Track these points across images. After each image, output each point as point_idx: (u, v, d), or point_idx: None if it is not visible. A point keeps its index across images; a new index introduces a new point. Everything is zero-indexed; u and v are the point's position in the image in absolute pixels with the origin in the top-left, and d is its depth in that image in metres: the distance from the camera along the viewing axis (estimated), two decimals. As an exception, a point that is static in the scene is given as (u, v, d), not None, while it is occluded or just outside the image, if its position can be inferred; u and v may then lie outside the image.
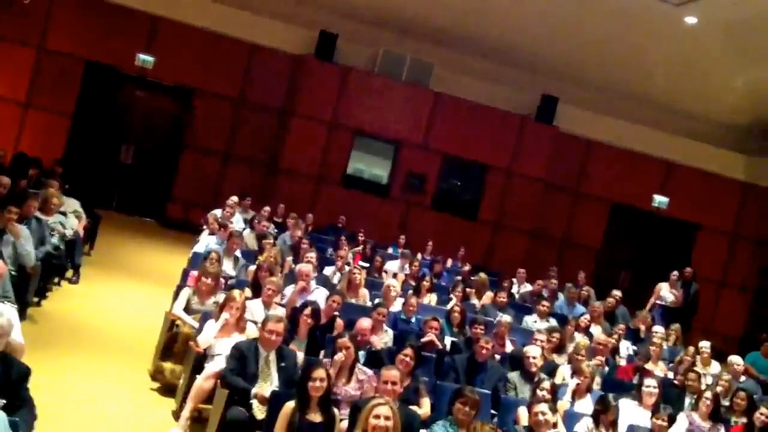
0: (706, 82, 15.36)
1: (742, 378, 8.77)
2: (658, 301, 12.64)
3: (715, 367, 9.15)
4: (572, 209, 16.81)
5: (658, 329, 9.70)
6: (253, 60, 15.64)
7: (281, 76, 15.66)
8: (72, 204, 10.09)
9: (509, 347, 8.26)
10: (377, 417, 4.40)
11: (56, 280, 9.18)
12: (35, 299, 8.16)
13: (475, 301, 10.39)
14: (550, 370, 7.50)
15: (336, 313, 7.50)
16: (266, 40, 15.52)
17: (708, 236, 16.98)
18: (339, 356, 5.89)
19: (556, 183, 16.36)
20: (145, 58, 14.87)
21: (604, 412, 6.08)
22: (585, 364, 7.22)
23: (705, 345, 9.35)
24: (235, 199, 11.85)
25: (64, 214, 9.54)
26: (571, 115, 16.12)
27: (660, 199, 16.48)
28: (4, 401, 4.17)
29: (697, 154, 16.70)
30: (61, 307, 8.56)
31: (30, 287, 7.66)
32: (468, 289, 10.60)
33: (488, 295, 10.38)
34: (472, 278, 11.32)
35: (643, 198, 16.72)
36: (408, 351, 6.17)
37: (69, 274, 9.65)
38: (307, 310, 6.81)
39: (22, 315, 7.04)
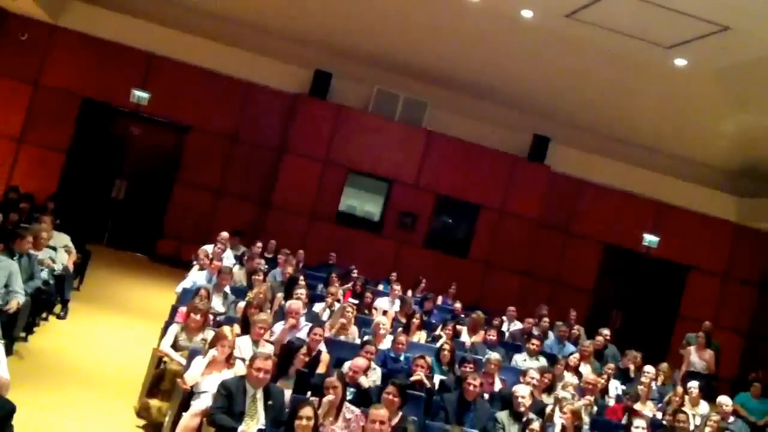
0: (697, 124, 15.51)
1: (731, 419, 8.74)
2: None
3: (703, 407, 9.11)
4: (564, 249, 16.84)
5: (649, 369, 9.68)
6: (248, 97, 15.77)
7: (276, 113, 15.78)
8: (62, 239, 10.08)
9: (498, 386, 8.23)
10: None
11: (44, 315, 9.13)
12: (22, 334, 8.12)
13: (466, 338, 10.37)
14: (539, 410, 7.46)
15: (320, 347, 7.48)
16: (261, 78, 15.67)
17: (699, 277, 17.01)
18: (329, 398, 5.86)
19: (548, 222, 16.42)
20: (140, 95, 14.98)
21: None
22: (568, 401, 7.20)
23: (693, 385, 9.32)
24: (225, 235, 11.86)
25: (54, 248, 9.53)
26: (562, 155, 16.26)
27: (650, 239, 16.52)
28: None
29: (689, 195, 16.80)
30: (49, 343, 8.51)
31: (18, 322, 7.62)
32: (459, 327, 10.59)
33: (479, 333, 10.36)
34: (468, 316, 11.30)
35: (635, 238, 16.76)
36: (390, 389, 6.14)
37: (57, 309, 9.60)
38: (305, 348, 6.82)
39: (9, 350, 7.00)
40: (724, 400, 8.96)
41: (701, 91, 14.14)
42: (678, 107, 15.10)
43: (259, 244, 12.50)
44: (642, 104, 15.28)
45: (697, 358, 11.65)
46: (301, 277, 10.40)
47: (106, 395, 7.42)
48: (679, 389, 8.90)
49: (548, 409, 7.54)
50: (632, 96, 15.06)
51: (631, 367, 10.52)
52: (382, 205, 15.91)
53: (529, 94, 15.71)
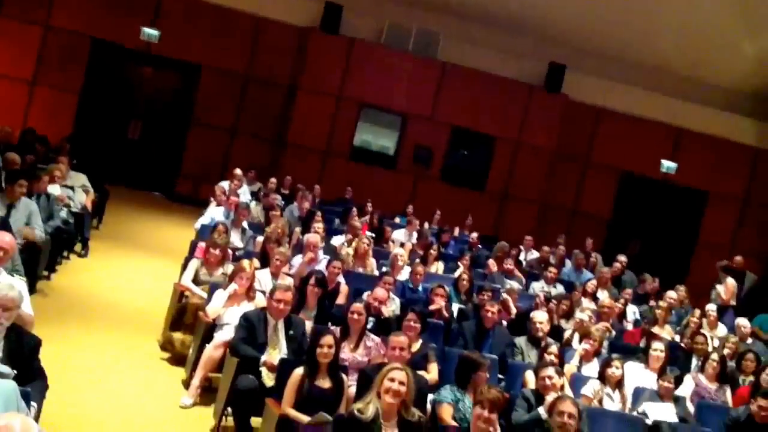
0: (716, 47, 15.19)
1: (749, 340, 8.78)
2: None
3: (721, 329, 9.15)
4: (581, 178, 16.74)
5: (671, 294, 9.71)
6: (259, 33, 15.57)
7: (287, 49, 15.58)
8: (79, 179, 10.13)
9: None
10: (392, 380, 4.47)
11: (65, 253, 9.24)
12: (45, 273, 8.23)
13: (495, 268, 10.29)
14: (558, 335, 7.52)
15: (339, 279, 7.54)
16: (271, 12, 15.43)
17: (718, 203, 16.89)
18: None
19: (565, 152, 16.28)
20: (150, 33, 14.81)
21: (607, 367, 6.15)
22: (594, 328, 7.26)
23: (711, 308, 9.34)
24: (239, 171, 11.88)
25: (71, 188, 9.59)
26: (578, 83, 15.99)
27: (668, 165, 16.35)
28: (16, 372, 4.23)
29: (707, 119, 16.54)
30: (71, 281, 8.63)
31: (40, 261, 7.72)
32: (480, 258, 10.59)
33: (492, 263, 10.35)
34: (485, 247, 11.30)
35: (653, 165, 16.61)
36: (411, 316, 6.22)
37: (78, 248, 9.71)
38: (312, 280, 6.85)
39: (32, 289, 7.10)
40: (742, 321, 8.99)
41: (721, 13, 13.83)
42: (697, 30, 14.77)
43: (273, 180, 12.50)
44: (660, 27, 14.93)
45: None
46: (318, 213, 10.44)
47: (130, 330, 7.55)
48: (697, 311, 8.93)
49: (566, 335, 7.62)
50: (650, 19, 14.72)
51: (649, 291, 10.53)
52: (397, 139, 15.82)
53: (544, 20, 15.37)
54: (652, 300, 10.15)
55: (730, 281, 10.98)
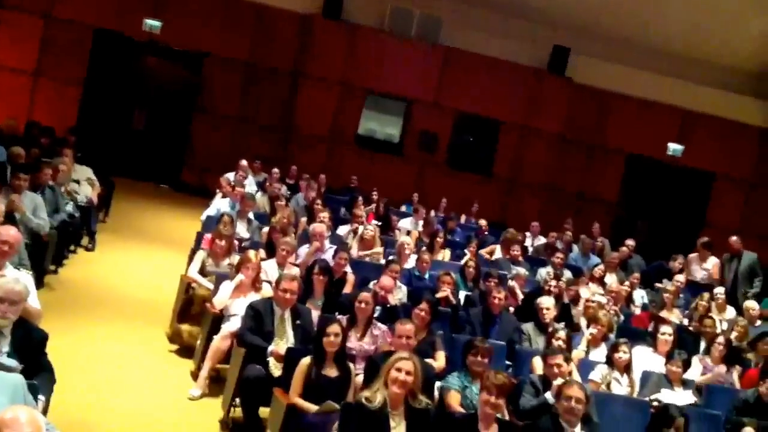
0: (721, 27, 15.08)
1: (758, 323, 8.74)
2: (690, 278, 10.60)
3: (730, 312, 9.12)
4: (588, 162, 16.68)
5: (678, 277, 9.66)
6: (262, 21, 15.52)
7: (290, 36, 15.54)
8: (85, 171, 10.13)
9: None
10: (399, 370, 4.49)
11: (72, 247, 9.26)
12: (52, 267, 8.25)
13: (500, 255, 10.28)
14: (567, 316, 7.51)
15: (346, 269, 7.53)
16: (273, 0, 15.38)
17: (726, 184, 16.82)
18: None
19: (571, 136, 16.23)
20: (152, 23, 14.77)
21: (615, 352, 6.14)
22: (602, 312, 7.24)
23: (719, 291, 9.29)
24: (245, 162, 11.88)
25: (77, 182, 9.59)
26: (583, 66, 15.92)
27: (675, 147, 16.26)
28: (23, 366, 4.23)
29: (714, 101, 16.43)
30: (78, 274, 8.66)
31: (46, 255, 7.73)
32: (493, 246, 10.55)
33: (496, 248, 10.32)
34: (493, 234, 11.26)
35: (659, 148, 16.51)
36: (424, 305, 6.19)
37: (85, 241, 9.73)
38: (316, 268, 6.84)
39: (40, 282, 7.12)
40: (751, 304, 8.94)
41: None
42: (702, 11, 14.66)
43: (276, 170, 12.47)
44: (664, 10, 14.82)
45: (698, 267, 10.82)
46: (319, 201, 10.42)
47: (138, 322, 7.56)
48: (706, 295, 8.90)
49: (575, 320, 7.60)
50: (654, 1, 14.61)
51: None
52: (402, 126, 15.77)
53: (547, 3, 15.28)
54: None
55: (713, 259, 10.71)
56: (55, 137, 12.08)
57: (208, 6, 15.19)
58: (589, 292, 8.11)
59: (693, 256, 10.92)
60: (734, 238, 10.53)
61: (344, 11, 15.21)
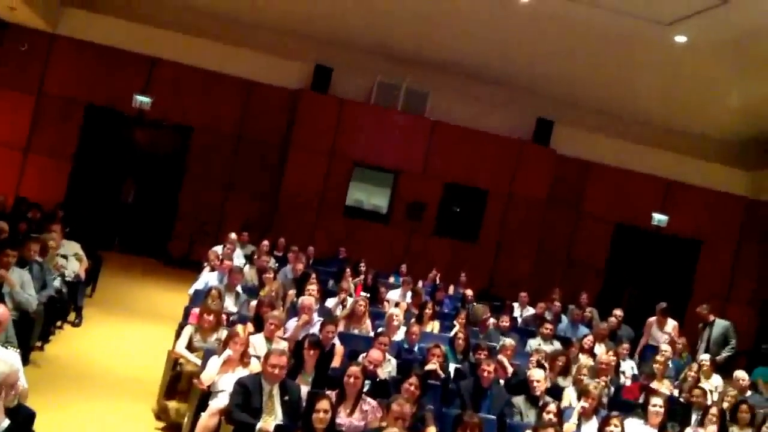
0: (701, 99, 15.43)
1: (748, 393, 8.72)
2: (652, 343, 10.85)
3: (716, 379, 9.11)
4: (574, 230, 16.85)
5: (666, 348, 9.65)
6: (251, 96, 15.78)
7: (279, 110, 15.79)
8: (73, 247, 10.10)
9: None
10: None
11: (59, 323, 9.18)
12: (38, 343, 8.16)
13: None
14: (556, 393, 7.46)
15: (334, 341, 7.50)
16: (262, 76, 15.67)
17: (712, 251, 16.96)
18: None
19: (557, 204, 16.43)
20: (142, 99, 14.99)
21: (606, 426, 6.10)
22: (592, 385, 7.19)
23: (705, 358, 9.32)
24: (233, 236, 11.89)
25: (65, 257, 9.57)
26: (567, 137, 16.25)
27: (659, 218, 16.47)
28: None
29: (697, 171, 16.76)
30: (64, 351, 8.57)
31: (33, 332, 7.67)
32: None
33: (491, 321, 10.32)
34: (474, 304, 11.27)
35: (645, 217, 16.73)
36: (413, 380, 6.14)
37: (71, 317, 9.66)
38: (306, 343, 6.80)
39: (26, 359, 7.04)
40: (740, 374, 8.93)
41: (704, 66, 14.05)
42: (681, 83, 15.02)
43: (266, 242, 12.49)
44: (645, 82, 15.19)
45: (658, 331, 10.98)
46: (313, 274, 10.40)
47: (125, 399, 7.46)
48: (695, 365, 8.88)
49: (565, 392, 7.55)
50: (634, 74, 14.99)
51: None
52: (390, 196, 15.92)
53: (531, 77, 15.67)
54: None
55: (672, 322, 11.00)
56: (44, 212, 12.10)
57: (198, 82, 15.45)
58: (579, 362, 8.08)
59: (652, 320, 11.17)
60: (703, 306, 11.05)
61: (332, 86, 15.50)
